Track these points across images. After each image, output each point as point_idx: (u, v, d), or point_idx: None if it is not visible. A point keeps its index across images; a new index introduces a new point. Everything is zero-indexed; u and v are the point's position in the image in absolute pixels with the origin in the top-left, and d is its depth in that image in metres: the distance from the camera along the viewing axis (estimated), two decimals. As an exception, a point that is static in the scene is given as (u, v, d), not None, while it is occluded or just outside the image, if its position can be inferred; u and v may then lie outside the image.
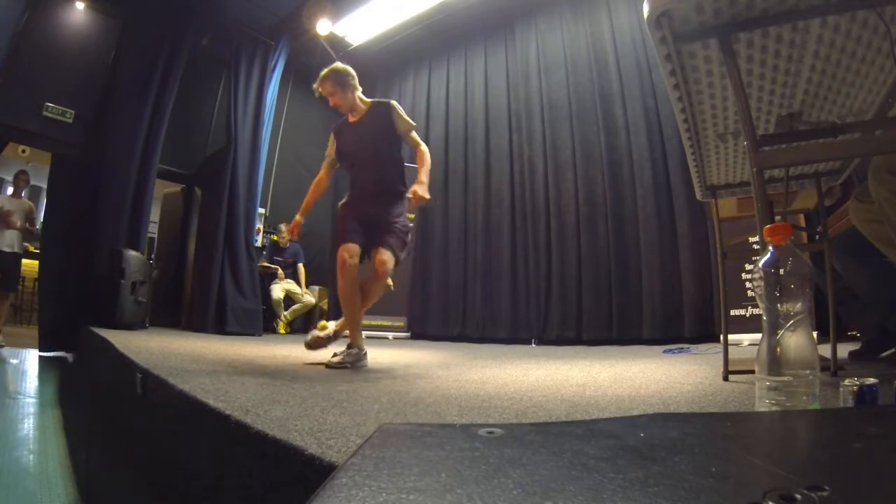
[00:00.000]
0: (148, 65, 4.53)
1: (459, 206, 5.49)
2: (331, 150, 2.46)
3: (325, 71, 2.34)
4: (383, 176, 2.32)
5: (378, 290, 2.25)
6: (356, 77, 2.37)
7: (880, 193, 1.35)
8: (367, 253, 2.27)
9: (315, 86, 2.37)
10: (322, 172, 2.51)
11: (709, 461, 0.38)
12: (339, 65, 2.38)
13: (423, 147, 2.33)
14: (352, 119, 2.38)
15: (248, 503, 0.84)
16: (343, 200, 2.40)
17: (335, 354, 2.18)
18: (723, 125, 1.54)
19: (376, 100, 2.44)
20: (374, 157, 2.32)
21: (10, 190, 5.27)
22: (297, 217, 2.47)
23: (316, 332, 2.37)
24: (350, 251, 2.16)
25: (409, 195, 2.18)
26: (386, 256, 2.19)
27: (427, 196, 2.16)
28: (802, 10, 1.06)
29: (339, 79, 2.32)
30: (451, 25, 5.45)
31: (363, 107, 2.38)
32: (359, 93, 2.39)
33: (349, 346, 2.22)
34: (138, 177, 4.40)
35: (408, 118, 2.35)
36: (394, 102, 2.38)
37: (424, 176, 2.22)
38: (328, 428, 0.88)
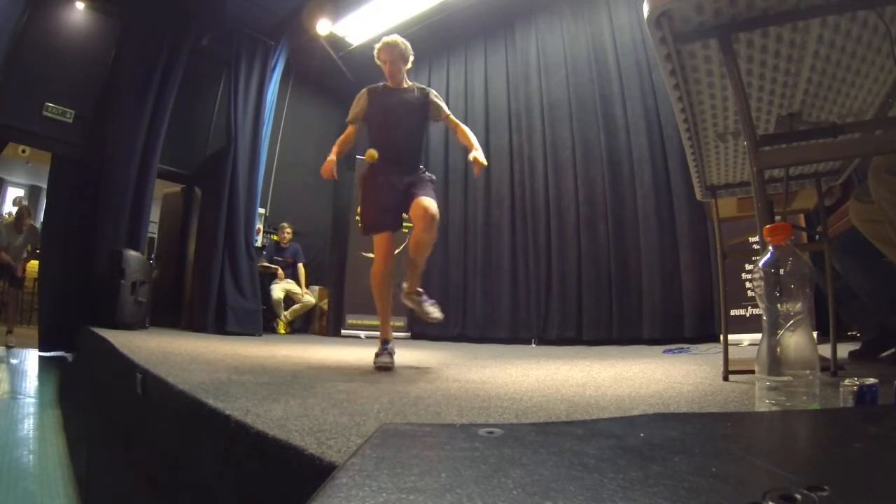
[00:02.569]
0: (148, 65, 4.53)
1: (459, 206, 5.49)
2: (358, 111, 2.47)
3: (399, 39, 2.42)
4: (410, 149, 2.43)
5: (430, 238, 2.23)
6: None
7: (880, 193, 1.36)
8: (398, 222, 2.33)
9: (387, 43, 2.40)
10: (349, 131, 2.50)
11: (709, 461, 0.38)
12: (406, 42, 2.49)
13: (463, 126, 2.50)
14: (394, 86, 2.47)
15: (248, 503, 0.84)
16: (367, 168, 2.41)
17: (378, 355, 2.21)
18: (723, 125, 1.54)
19: (417, 83, 2.56)
20: (407, 127, 2.42)
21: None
22: (332, 157, 2.40)
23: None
24: (384, 241, 2.28)
25: (471, 159, 2.31)
26: (427, 202, 2.21)
27: (484, 161, 2.32)
28: (802, 11, 1.06)
29: (408, 52, 2.44)
30: (451, 25, 5.45)
31: (407, 83, 2.50)
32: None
33: (385, 343, 2.25)
34: (138, 177, 4.40)
35: (442, 104, 2.51)
36: (432, 90, 2.53)
37: (476, 144, 2.38)
38: (328, 428, 0.88)
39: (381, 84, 2.51)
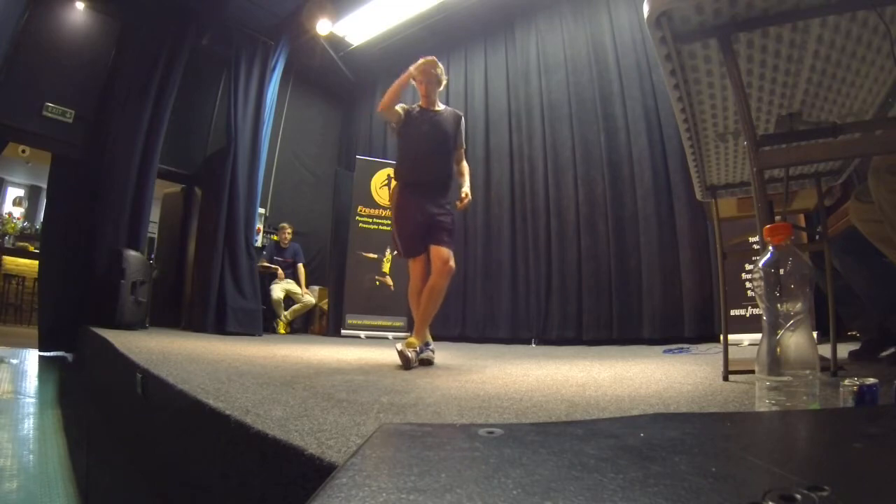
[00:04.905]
0: (148, 65, 4.53)
1: (459, 206, 5.50)
2: (399, 115, 2.53)
3: (434, 60, 2.50)
4: (438, 173, 2.50)
5: (445, 285, 2.36)
6: None
7: (880, 193, 1.35)
8: (426, 246, 2.43)
9: (425, 63, 2.47)
10: (396, 111, 2.54)
11: (709, 461, 0.38)
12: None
13: (466, 164, 2.63)
14: (426, 106, 2.56)
15: (248, 503, 0.84)
16: (397, 190, 2.54)
17: (421, 351, 2.31)
18: (723, 125, 1.54)
19: (449, 107, 2.68)
20: (439, 147, 2.50)
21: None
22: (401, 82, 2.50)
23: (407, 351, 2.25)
24: (418, 264, 2.44)
25: (458, 203, 2.47)
26: (446, 254, 2.35)
27: (469, 203, 2.50)
28: (802, 10, 1.06)
29: (443, 76, 2.56)
30: (451, 25, 5.45)
31: (439, 107, 2.60)
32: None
33: (427, 343, 2.38)
34: (138, 177, 4.40)
35: (463, 137, 2.64)
36: (463, 117, 2.65)
37: (468, 187, 2.54)
38: (328, 428, 0.88)
39: (415, 105, 2.60)
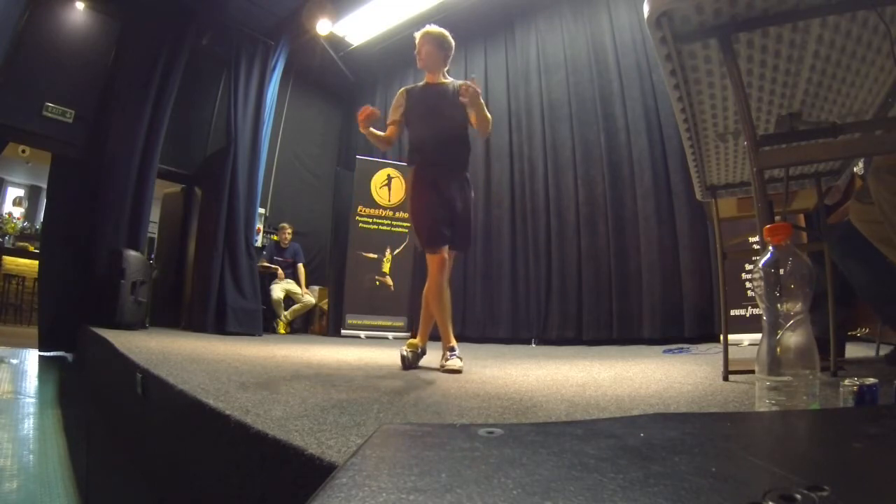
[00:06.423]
0: (148, 65, 4.53)
1: (459, 206, 5.50)
2: (397, 113, 2.35)
3: (440, 29, 2.35)
4: (454, 146, 2.32)
5: (441, 281, 2.18)
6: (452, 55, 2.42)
7: (880, 194, 1.35)
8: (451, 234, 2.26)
9: (427, 31, 2.34)
10: (389, 132, 2.35)
11: (709, 461, 0.38)
12: (451, 36, 2.38)
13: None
14: (432, 81, 2.38)
15: (248, 503, 0.84)
16: (412, 176, 2.30)
17: (447, 359, 2.12)
18: (723, 125, 1.54)
19: (456, 80, 2.44)
20: (449, 123, 2.30)
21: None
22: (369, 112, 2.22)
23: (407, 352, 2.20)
24: (447, 254, 2.20)
25: (463, 84, 2.14)
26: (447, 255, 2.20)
27: (478, 88, 2.15)
28: (802, 10, 1.06)
29: (446, 42, 2.35)
30: (451, 25, 5.35)
31: (445, 79, 2.40)
32: (446, 68, 2.42)
33: (452, 349, 2.16)
34: (138, 177, 4.40)
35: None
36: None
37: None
38: (328, 428, 0.88)
39: (419, 84, 2.42)
